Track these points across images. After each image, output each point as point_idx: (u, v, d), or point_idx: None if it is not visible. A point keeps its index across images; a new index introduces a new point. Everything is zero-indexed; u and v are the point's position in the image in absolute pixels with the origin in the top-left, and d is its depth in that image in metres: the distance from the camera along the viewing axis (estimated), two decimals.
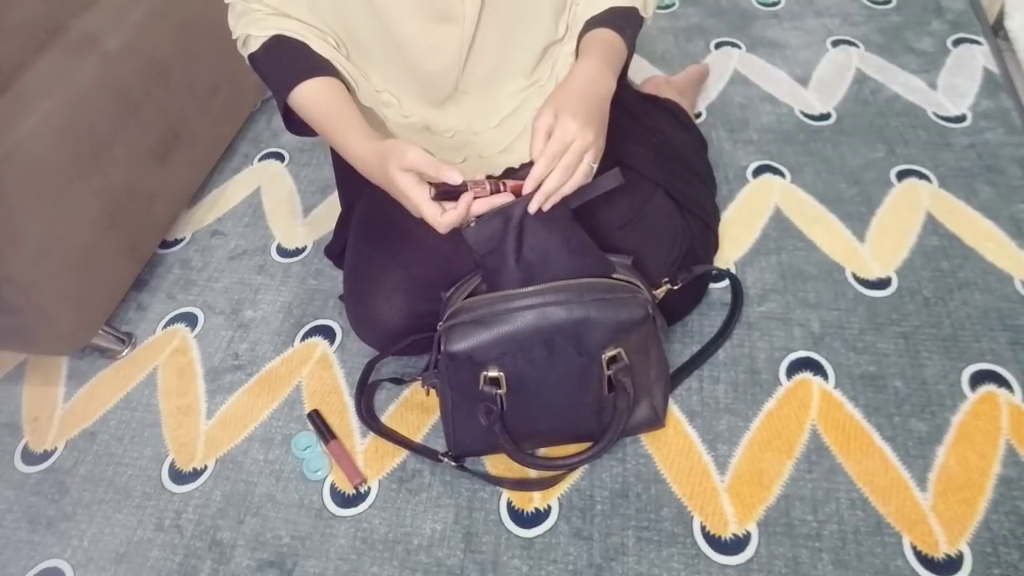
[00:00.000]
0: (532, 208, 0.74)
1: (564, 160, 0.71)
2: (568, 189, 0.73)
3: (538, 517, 0.89)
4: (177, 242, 1.29)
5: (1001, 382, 0.94)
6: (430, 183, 0.72)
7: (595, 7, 0.85)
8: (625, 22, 0.85)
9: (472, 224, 0.76)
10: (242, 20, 0.83)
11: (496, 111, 0.91)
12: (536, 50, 0.88)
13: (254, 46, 0.83)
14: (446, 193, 0.72)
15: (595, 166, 0.74)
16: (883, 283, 1.06)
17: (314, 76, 0.81)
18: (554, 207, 0.75)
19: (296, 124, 0.87)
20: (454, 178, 0.70)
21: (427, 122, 0.91)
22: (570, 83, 0.76)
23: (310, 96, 0.81)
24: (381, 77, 0.89)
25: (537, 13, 0.85)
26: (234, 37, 0.85)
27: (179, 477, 0.98)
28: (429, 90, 0.88)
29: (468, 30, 0.82)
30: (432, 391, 0.97)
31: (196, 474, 0.98)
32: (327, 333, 1.11)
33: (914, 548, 0.81)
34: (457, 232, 0.76)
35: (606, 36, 0.82)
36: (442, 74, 0.86)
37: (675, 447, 0.93)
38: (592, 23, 0.84)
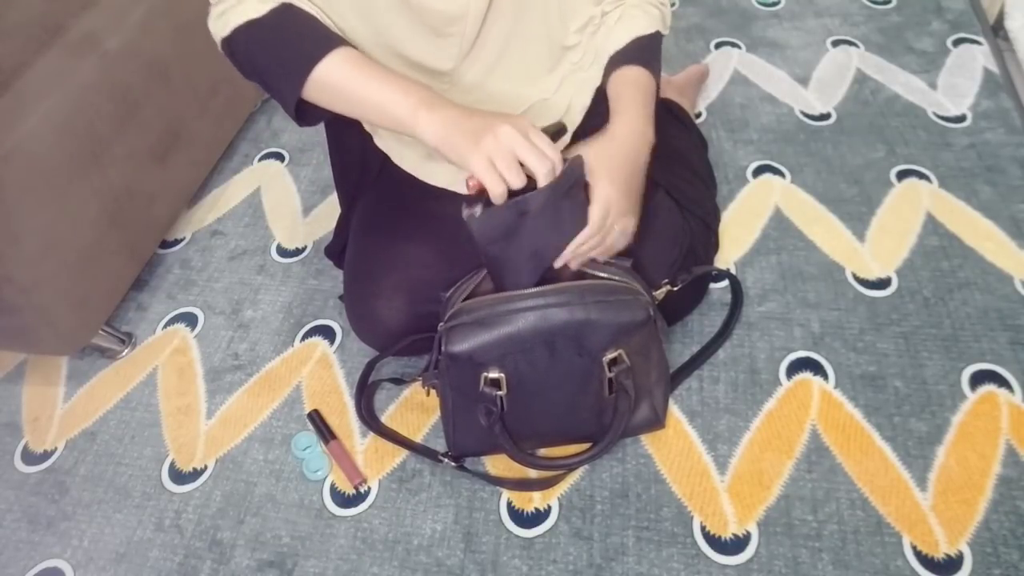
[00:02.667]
0: (558, 264, 0.78)
1: (605, 236, 0.77)
2: (602, 253, 0.80)
3: (538, 517, 0.89)
4: (177, 242, 1.29)
5: (1001, 382, 0.94)
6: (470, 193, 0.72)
7: (618, 39, 0.84)
8: (651, 53, 0.85)
9: (477, 213, 0.73)
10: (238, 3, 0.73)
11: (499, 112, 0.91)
12: (544, 49, 0.88)
13: (253, 12, 0.72)
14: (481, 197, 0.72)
15: (630, 232, 0.80)
16: (883, 283, 1.06)
17: (343, 44, 0.73)
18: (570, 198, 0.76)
19: (306, 112, 0.78)
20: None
21: None
22: (614, 145, 0.78)
23: (352, 58, 0.72)
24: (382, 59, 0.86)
25: (546, 10, 0.85)
26: (220, 10, 0.74)
27: (179, 477, 0.98)
28: (432, 58, 0.84)
29: (471, 31, 0.81)
30: (432, 391, 0.97)
31: (196, 474, 0.98)
32: (327, 333, 1.11)
33: (914, 548, 0.81)
34: (458, 232, 0.76)
35: (639, 80, 0.82)
36: (443, 73, 0.85)
37: (675, 447, 0.93)
38: (618, 59, 0.83)
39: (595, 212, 0.75)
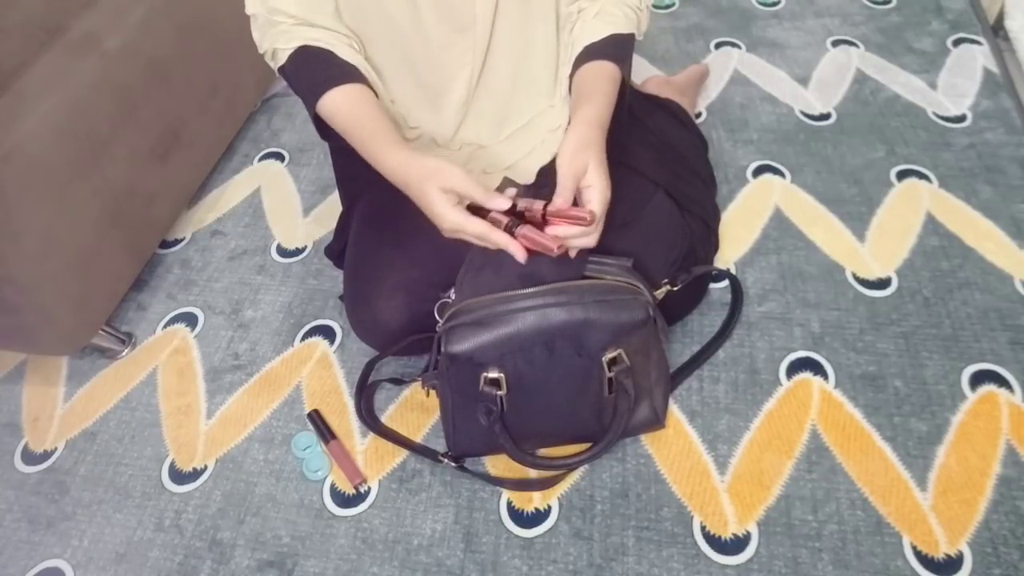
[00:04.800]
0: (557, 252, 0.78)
1: (597, 228, 0.75)
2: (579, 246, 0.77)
3: (538, 517, 0.89)
4: (177, 242, 1.29)
5: (1001, 382, 0.94)
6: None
7: (596, 32, 0.84)
8: (625, 52, 0.85)
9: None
10: (268, 34, 0.82)
11: (504, 124, 0.91)
12: (548, 60, 0.88)
13: (282, 59, 0.82)
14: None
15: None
16: (883, 283, 1.06)
17: (340, 84, 0.80)
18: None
19: (330, 131, 0.86)
20: (502, 205, 0.73)
21: (435, 135, 0.91)
22: (599, 133, 0.77)
23: (336, 105, 0.80)
24: (394, 85, 0.88)
25: (546, 21, 0.86)
26: (261, 51, 0.85)
27: (179, 477, 0.98)
28: (441, 95, 0.88)
29: (482, 38, 0.82)
30: (432, 392, 0.97)
31: (196, 474, 0.98)
32: (327, 333, 1.11)
33: (914, 548, 0.81)
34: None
35: (611, 73, 0.82)
36: (457, 79, 0.86)
37: (675, 447, 0.93)
38: (594, 51, 0.84)
39: (598, 208, 0.73)
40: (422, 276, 0.91)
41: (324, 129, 0.85)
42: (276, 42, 0.82)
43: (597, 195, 0.73)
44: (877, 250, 1.10)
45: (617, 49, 0.84)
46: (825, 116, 1.32)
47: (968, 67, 1.37)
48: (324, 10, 0.82)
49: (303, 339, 1.11)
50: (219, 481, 0.97)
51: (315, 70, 0.81)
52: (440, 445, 0.95)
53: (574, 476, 0.92)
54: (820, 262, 1.10)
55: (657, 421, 0.90)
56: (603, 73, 0.82)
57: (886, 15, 1.51)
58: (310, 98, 0.81)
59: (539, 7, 0.85)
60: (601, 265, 0.82)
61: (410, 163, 0.75)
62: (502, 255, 0.79)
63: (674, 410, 0.96)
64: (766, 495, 0.87)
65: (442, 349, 0.80)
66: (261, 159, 1.42)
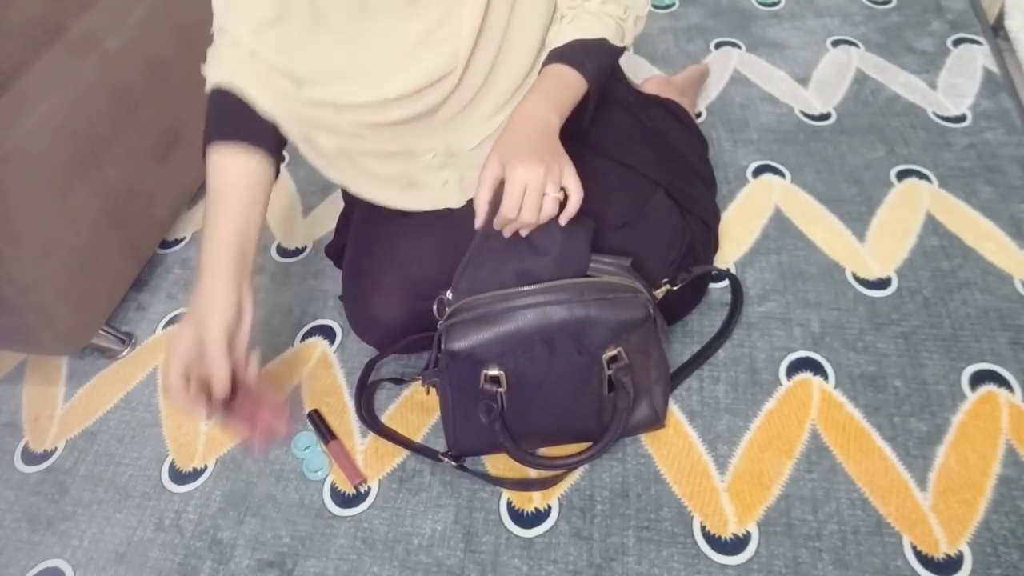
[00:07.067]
0: (508, 232, 0.78)
1: (527, 203, 0.72)
2: (543, 219, 0.74)
3: (538, 517, 0.89)
4: (177, 242, 1.29)
5: (1001, 382, 0.94)
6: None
7: (562, 38, 0.84)
8: (587, 56, 0.83)
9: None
10: (209, 62, 0.80)
11: (475, 132, 0.89)
12: (521, 73, 0.87)
13: (208, 95, 0.79)
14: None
15: (559, 194, 0.74)
16: (883, 283, 1.06)
17: (233, 140, 0.77)
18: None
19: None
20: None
21: (407, 147, 0.88)
22: (509, 127, 0.78)
23: (217, 165, 0.78)
24: (356, 96, 0.84)
25: (531, 35, 0.85)
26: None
27: (179, 477, 0.98)
28: (416, 108, 0.84)
29: (465, 48, 0.80)
30: (432, 390, 0.97)
31: (196, 474, 0.98)
32: (327, 333, 1.11)
33: (914, 548, 0.81)
34: (456, 231, 0.76)
35: (556, 71, 0.82)
36: (439, 90, 0.83)
37: (675, 447, 0.93)
38: (553, 56, 0.84)
39: (510, 186, 0.73)
40: (420, 274, 0.91)
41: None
42: (206, 71, 0.79)
43: (509, 181, 0.73)
44: (877, 250, 1.10)
45: (576, 52, 0.83)
46: (825, 116, 1.32)
47: (968, 67, 1.37)
48: (260, 15, 0.76)
49: (303, 339, 1.11)
50: (219, 481, 0.97)
51: (220, 117, 0.78)
52: (440, 445, 0.95)
53: (574, 476, 0.92)
54: (820, 262, 1.10)
55: (657, 420, 0.90)
56: (548, 72, 0.82)
57: (886, 15, 1.51)
58: (204, 143, 0.78)
59: (524, 21, 0.83)
60: (599, 264, 0.82)
61: (200, 293, 0.75)
62: (504, 252, 0.78)
63: (674, 410, 0.96)
64: (766, 495, 0.87)
65: (442, 346, 0.80)
66: None
